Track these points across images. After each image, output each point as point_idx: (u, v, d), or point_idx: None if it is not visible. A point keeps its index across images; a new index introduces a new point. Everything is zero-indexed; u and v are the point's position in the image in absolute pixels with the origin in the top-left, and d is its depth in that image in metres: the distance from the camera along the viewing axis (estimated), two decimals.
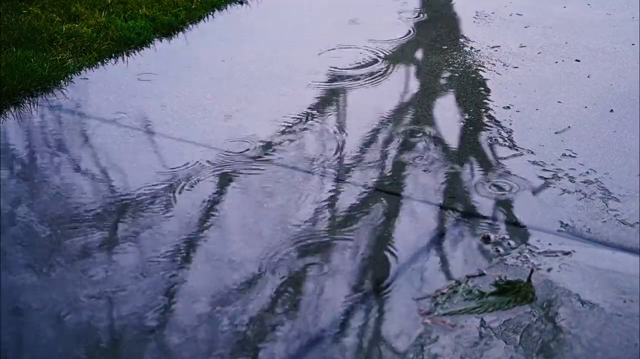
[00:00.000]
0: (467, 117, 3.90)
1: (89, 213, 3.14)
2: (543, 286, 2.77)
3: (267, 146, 3.62)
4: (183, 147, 3.60)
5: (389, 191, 3.31)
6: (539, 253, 2.93)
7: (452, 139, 3.70)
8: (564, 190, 3.30)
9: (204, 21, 5.01)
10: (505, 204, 3.22)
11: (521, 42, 4.71)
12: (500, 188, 3.33)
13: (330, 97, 4.07)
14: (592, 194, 3.27)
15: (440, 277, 2.82)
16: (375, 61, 4.47)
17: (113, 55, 4.47)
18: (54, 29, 4.59)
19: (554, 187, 3.33)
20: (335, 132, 3.77)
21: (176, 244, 2.97)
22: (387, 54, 4.57)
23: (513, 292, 2.73)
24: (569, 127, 3.79)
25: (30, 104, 3.94)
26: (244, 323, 2.60)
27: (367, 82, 4.24)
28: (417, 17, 5.12)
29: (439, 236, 3.04)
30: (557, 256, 2.92)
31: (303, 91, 4.13)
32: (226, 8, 5.19)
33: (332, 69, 4.36)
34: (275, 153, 3.56)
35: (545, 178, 3.39)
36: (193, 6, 5.06)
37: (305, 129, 3.77)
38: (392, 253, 2.94)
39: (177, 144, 3.63)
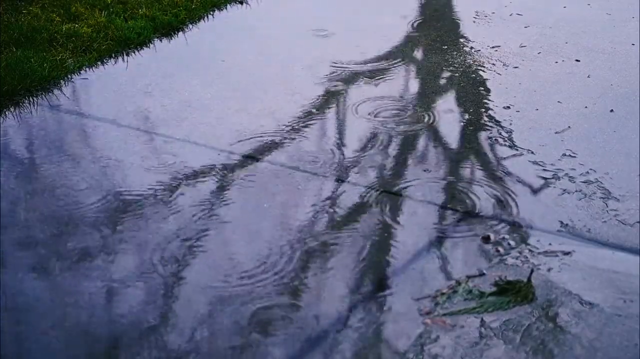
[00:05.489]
0: (467, 117, 3.90)
1: (88, 213, 3.14)
2: (543, 286, 2.77)
3: (267, 145, 3.62)
4: (183, 147, 3.60)
5: (389, 190, 3.31)
6: (539, 253, 2.93)
7: (452, 139, 3.70)
8: (564, 190, 3.30)
9: (204, 21, 5.01)
10: (505, 204, 3.22)
11: (521, 42, 4.71)
12: (500, 188, 3.33)
13: (331, 96, 4.07)
14: (592, 194, 3.27)
15: (440, 277, 2.82)
16: (374, 61, 4.47)
17: (113, 55, 4.46)
18: (54, 29, 4.58)
19: (554, 187, 3.33)
20: (334, 132, 3.77)
21: (180, 245, 2.98)
22: (386, 53, 4.57)
23: (513, 292, 2.73)
24: (569, 127, 3.79)
25: (30, 104, 3.94)
26: None
27: (367, 81, 4.24)
28: (417, 16, 5.12)
29: (439, 235, 3.04)
30: (557, 256, 2.92)
31: (303, 90, 4.12)
32: (226, 8, 5.19)
33: (332, 68, 4.36)
34: (276, 153, 3.56)
35: (545, 178, 3.39)
36: (193, 6, 5.06)
37: (305, 128, 3.77)
38: (392, 252, 2.94)
39: (177, 144, 3.63)
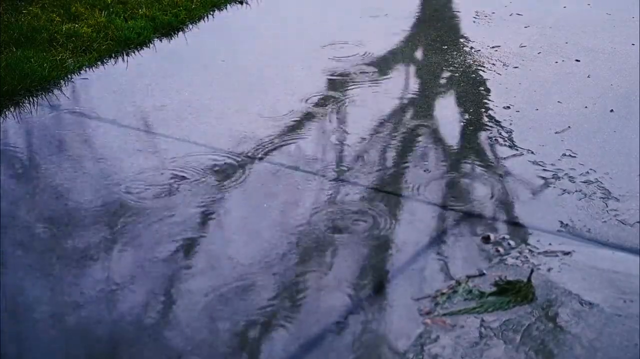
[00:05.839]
0: (467, 117, 3.90)
1: (88, 213, 3.14)
2: (543, 286, 2.77)
3: (267, 145, 3.62)
4: (183, 147, 3.60)
5: (389, 190, 3.31)
6: (539, 253, 2.93)
7: (452, 139, 3.70)
8: (564, 190, 3.30)
9: (204, 21, 5.01)
10: (505, 204, 3.22)
11: (521, 42, 4.71)
12: (500, 188, 3.33)
13: (331, 96, 4.07)
14: (592, 194, 3.27)
15: (440, 277, 2.82)
16: (374, 60, 4.47)
17: (113, 55, 4.47)
18: (54, 29, 4.58)
19: (554, 187, 3.33)
20: (334, 132, 3.76)
21: (179, 247, 2.98)
22: (386, 52, 4.57)
23: (513, 292, 2.73)
24: (569, 127, 3.79)
25: (30, 104, 3.94)
26: None
27: (367, 81, 4.24)
28: (417, 16, 5.12)
29: (439, 235, 3.04)
30: (557, 256, 2.92)
31: (303, 90, 4.13)
32: (226, 8, 5.19)
33: (332, 67, 4.36)
34: (275, 153, 3.56)
35: (545, 178, 3.39)
36: (193, 6, 5.06)
37: (305, 128, 3.77)
38: (392, 252, 2.94)
39: (177, 144, 3.63)
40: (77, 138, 3.69)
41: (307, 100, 4.03)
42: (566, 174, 3.41)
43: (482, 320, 2.62)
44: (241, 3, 5.29)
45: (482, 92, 4.14)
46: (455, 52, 4.57)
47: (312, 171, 3.44)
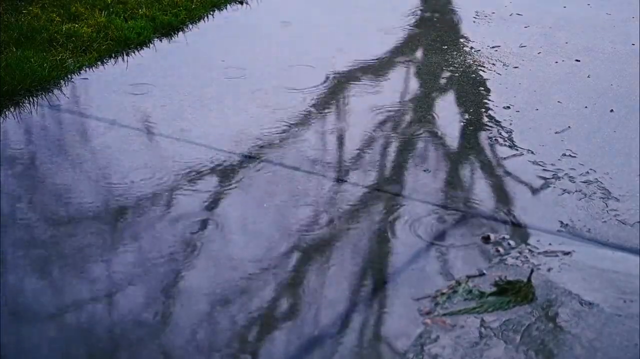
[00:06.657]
0: (467, 117, 3.90)
1: (88, 213, 3.14)
2: (543, 286, 2.77)
3: (267, 145, 3.62)
4: (183, 147, 3.60)
5: (389, 190, 3.31)
6: (539, 253, 2.93)
7: (452, 139, 3.70)
8: (564, 190, 3.30)
9: (204, 21, 5.01)
10: (505, 204, 3.22)
11: (521, 42, 4.72)
12: (500, 188, 3.33)
13: (331, 95, 4.07)
14: (592, 194, 3.27)
15: (440, 277, 2.82)
16: (374, 60, 4.47)
17: (113, 55, 4.47)
18: (54, 29, 4.59)
19: (554, 187, 3.33)
20: (334, 132, 3.77)
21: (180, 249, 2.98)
22: (387, 53, 4.57)
23: (513, 292, 2.73)
24: (569, 127, 3.79)
25: (30, 104, 3.94)
26: None
27: (368, 81, 4.24)
28: (417, 16, 5.12)
29: (439, 235, 3.04)
30: (557, 256, 2.92)
31: (303, 90, 4.13)
32: (226, 8, 5.20)
33: (332, 67, 4.36)
34: (276, 153, 3.56)
35: (545, 178, 3.39)
36: (193, 6, 5.06)
37: (304, 128, 3.77)
38: (392, 252, 2.94)
39: (177, 144, 3.63)
40: (76, 138, 3.69)
41: (307, 100, 4.03)
42: (566, 174, 3.41)
43: (482, 320, 2.62)
44: (241, 3, 5.29)
45: (482, 92, 4.14)
46: (455, 52, 4.57)
47: (311, 170, 3.44)
